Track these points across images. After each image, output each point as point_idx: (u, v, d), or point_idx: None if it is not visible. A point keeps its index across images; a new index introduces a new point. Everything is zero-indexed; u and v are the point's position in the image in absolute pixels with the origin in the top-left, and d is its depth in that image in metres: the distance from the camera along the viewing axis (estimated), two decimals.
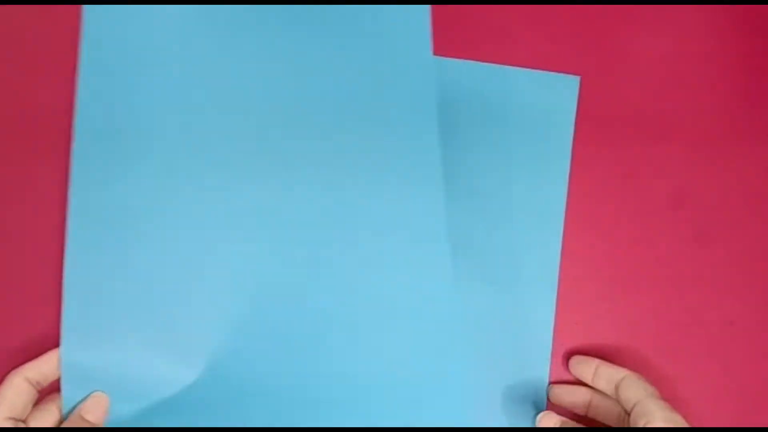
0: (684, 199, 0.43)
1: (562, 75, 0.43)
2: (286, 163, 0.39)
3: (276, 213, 0.39)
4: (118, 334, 0.38)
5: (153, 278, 0.39)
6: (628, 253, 0.42)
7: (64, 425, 0.36)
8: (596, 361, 0.39)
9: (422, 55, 0.40)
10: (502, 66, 0.43)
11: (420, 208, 0.39)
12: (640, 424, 0.34)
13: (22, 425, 0.35)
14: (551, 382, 0.41)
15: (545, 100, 0.43)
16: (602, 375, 0.38)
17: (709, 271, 0.42)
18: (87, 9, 0.38)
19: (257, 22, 0.40)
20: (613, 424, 0.38)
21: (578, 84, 0.43)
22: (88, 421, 0.36)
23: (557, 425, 0.38)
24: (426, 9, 0.40)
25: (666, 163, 0.43)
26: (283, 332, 0.39)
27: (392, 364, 0.39)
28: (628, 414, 0.36)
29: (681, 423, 0.34)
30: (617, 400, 0.37)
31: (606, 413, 0.38)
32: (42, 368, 0.37)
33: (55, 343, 0.38)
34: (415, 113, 0.40)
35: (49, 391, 0.38)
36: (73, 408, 0.37)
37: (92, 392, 0.37)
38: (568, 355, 0.41)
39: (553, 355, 0.41)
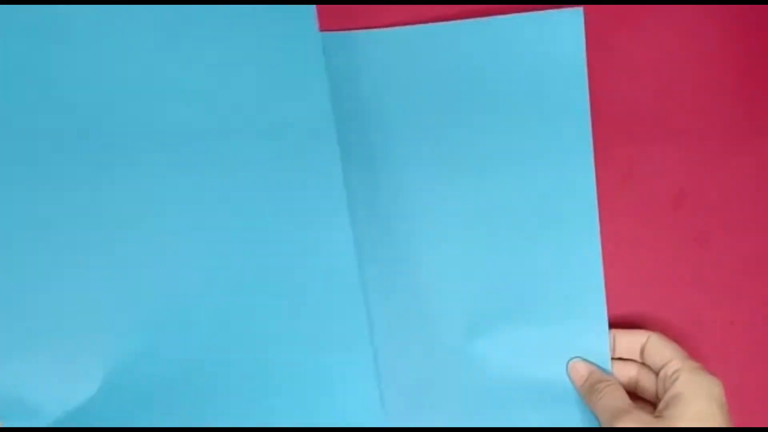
0: (684, 199, 0.43)
1: (563, 10, 0.41)
2: (187, 160, 0.38)
3: (175, 209, 0.38)
4: (10, 349, 0.36)
5: (41, 287, 0.37)
6: (628, 253, 0.42)
7: None
8: (611, 332, 0.39)
9: (308, 32, 0.39)
10: (496, 17, 0.42)
11: (321, 190, 0.38)
12: (668, 385, 0.35)
13: None
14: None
15: (549, 41, 0.41)
16: (622, 343, 0.38)
17: (709, 271, 0.42)
18: None
19: (156, 23, 0.38)
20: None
21: (582, 16, 0.41)
22: None
23: (587, 374, 0.38)
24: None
25: (666, 163, 0.43)
26: (185, 330, 0.38)
27: (299, 353, 0.38)
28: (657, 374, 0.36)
29: (714, 384, 0.34)
30: (645, 365, 0.37)
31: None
32: None
33: None
34: (306, 89, 0.39)
35: None
36: None
37: None
38: None
39: None
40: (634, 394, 0.38)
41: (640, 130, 0.44)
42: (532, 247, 0.41)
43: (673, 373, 0.35)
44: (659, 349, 0.37)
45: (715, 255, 0.42)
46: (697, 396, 0.34)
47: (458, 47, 0.42)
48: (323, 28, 0.40)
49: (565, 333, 0.40)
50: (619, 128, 0.44)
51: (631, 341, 0.38)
